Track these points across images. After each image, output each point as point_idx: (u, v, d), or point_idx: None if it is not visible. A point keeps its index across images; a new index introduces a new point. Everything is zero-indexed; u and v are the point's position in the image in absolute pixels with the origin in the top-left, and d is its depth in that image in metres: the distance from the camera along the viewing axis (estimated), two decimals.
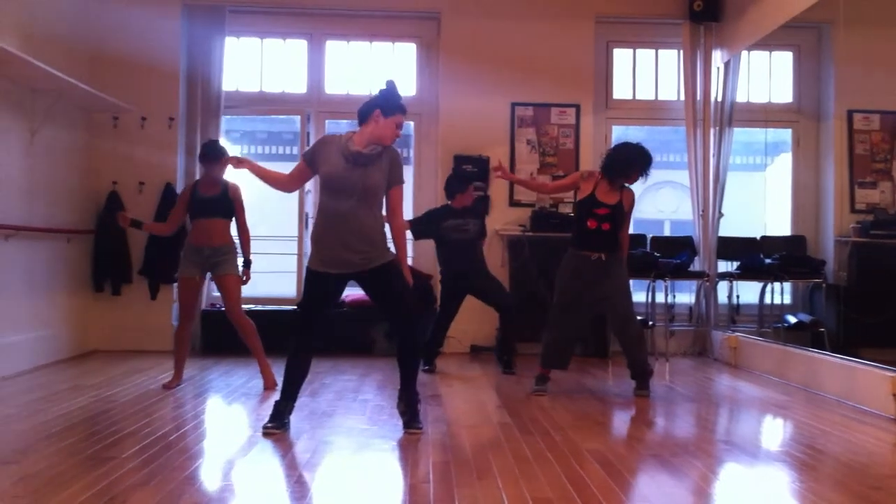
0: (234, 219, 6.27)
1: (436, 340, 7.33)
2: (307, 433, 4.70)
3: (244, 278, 6.25)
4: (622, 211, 6.00)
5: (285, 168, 5.08)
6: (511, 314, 7.23)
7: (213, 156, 6.20)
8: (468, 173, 8.03)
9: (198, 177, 6.42)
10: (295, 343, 4.80)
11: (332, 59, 9.00)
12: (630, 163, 5.96)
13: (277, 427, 4.68)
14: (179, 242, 8.37)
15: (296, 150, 9.44)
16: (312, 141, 8.82)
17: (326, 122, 8.93)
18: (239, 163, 4.91)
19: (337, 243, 4.64)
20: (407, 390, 4.85)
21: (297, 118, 9.01)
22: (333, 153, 4.69)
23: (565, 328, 6.11)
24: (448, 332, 7.49)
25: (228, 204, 6.19)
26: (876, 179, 7.86)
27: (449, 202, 7.33)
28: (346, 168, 4.63)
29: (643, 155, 5.98)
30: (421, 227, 7.34)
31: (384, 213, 4.85)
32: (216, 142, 6.68)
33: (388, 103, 4.76)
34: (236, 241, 6.31)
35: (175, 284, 8.24)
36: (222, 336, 8.02)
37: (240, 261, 6.27)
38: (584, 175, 6.17)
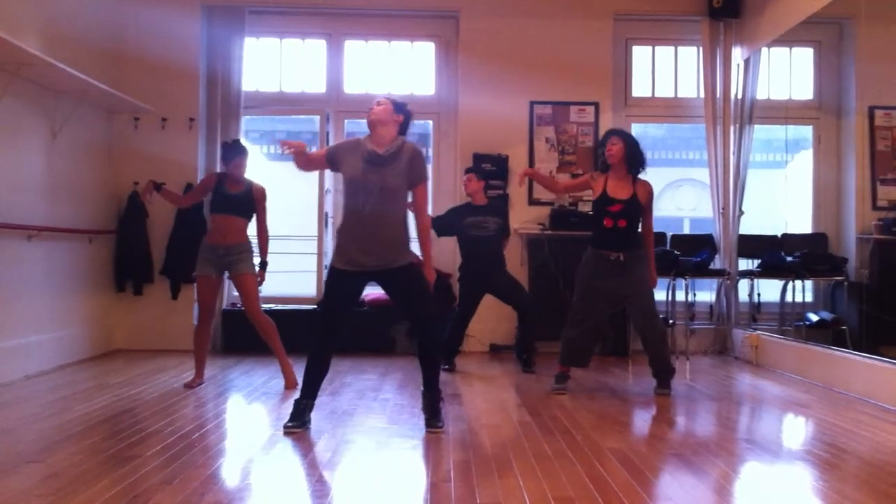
0: (252, 219, 6.26)
1: (454, 339, 7.33)
2: (328, 432, 4.72)
3: (259, 279, 6.26)
4: (637, 204, 5.96)
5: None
6: (529, 313, 7.23)
7: (233, 154, 6.22)
8: (472, 167, 7.93)
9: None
10: (315, 342, 4.83)
11: (351, 59, 9.03)
12: (601, 144, 6.12)
13: (298, 426, 4.71)
14: (200, 242, 8.40)
15: (315, 150, 9.47)
16: (332, 141, 8.87)
17: (345, 121, 8.96)
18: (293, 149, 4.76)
19: (353, 244, 4.70)
20: (429, 389, 4.88)
21: (317, 118, 9.04)
22: (354, 156, 4.74)
23: (585, 326, 6.08)
24: (468, 331, 7.49)
25: (250, 203, 6.19)
26: None
27: (469, 200, 7.36)
28: (365, 169, 4.67)
29: (607, 132, 6.19)
30: (442, 224, 7.35)
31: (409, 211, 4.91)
32: (237, 140, 6.70)
33: None
34: (253, 241, 6.33)
35: (196, 284, 8.30)
36: (243, 335, 8.07)
37: (256, 260, 6.29)
38: (593, 176, 6.17)
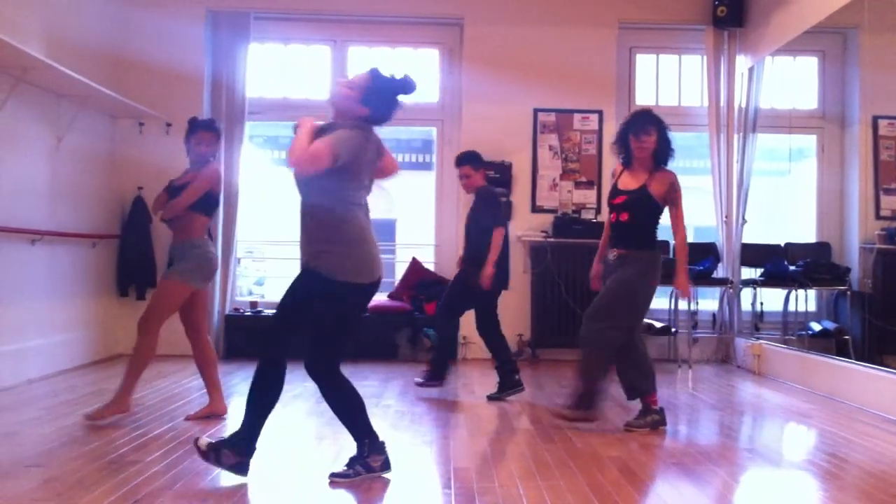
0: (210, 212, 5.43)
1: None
2: (329, 438, 4.71)
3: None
4: (646, 196, 5.07)
5: None
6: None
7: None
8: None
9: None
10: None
11: (356, 65, 9.03)
12: (630, 133, 5.18)
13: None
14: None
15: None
16: None
17: None
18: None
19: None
20: None
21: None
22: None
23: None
24: (469, 338, 7.42)
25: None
26: None
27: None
28: None
29: (640, 118, 5.23)
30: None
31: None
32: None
33: None
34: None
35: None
36: (245, 341, 8.08)
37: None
38: (613, 173, 5.36)
